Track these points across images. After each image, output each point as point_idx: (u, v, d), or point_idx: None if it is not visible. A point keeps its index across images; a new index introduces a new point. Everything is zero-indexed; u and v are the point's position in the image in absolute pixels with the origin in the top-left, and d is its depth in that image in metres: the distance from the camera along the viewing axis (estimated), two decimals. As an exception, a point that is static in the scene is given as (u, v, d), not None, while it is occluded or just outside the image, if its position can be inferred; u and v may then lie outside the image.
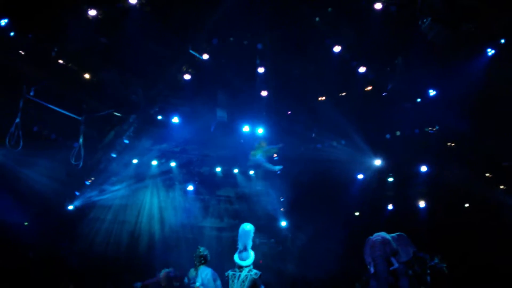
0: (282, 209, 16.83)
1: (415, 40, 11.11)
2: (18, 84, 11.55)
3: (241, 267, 6.93)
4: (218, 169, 16.14)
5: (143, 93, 13.45)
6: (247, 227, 7.19)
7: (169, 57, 12.51)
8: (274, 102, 13.74)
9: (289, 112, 14.47)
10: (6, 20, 10.65)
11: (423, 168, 14.06)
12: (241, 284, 6.72)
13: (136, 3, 10.67)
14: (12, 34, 10.83)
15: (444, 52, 11.38)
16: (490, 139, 12.43)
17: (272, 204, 16.31)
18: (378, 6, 10.55)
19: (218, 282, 8.13)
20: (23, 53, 11.36)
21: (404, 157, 14.12)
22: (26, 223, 14.61)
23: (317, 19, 11.43)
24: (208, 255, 8.50)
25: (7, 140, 11.14)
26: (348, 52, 11.91)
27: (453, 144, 13.79)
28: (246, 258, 6.94)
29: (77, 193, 15.32)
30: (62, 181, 13.70)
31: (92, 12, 10.71)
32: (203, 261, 8.31)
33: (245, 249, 7.00)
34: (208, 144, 14.87)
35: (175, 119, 14.19)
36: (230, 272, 6.94)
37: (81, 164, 12.56)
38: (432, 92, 12.81)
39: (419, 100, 13.16)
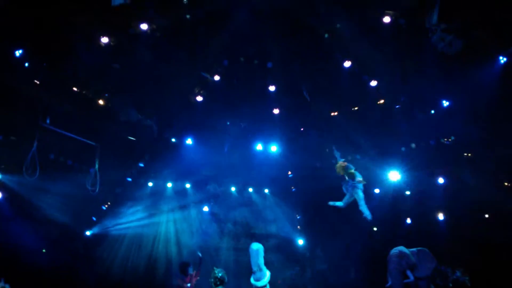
0: (298, 227, 16.69)
1: (425, 51, 11.09)
2: (34, 113, 11.76)
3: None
4: (233, 189, 16.13)
5: (156, 117, 13.58)
6: (255, 247, 7.14)
7: (181, 80, 12.64)
8: (287, 119, 13.77)
9: (302, 129, 14.46)
10: (21, 51, 10.88)
11: (440, 180, 13.87)
12: None
13: (147, 29, 10.85)
14: (26, 64, 11.04)
15: (456, 61, 11.33)
16: (507, 147, 12.26)
17: (289, 222, 16.19)
18: (386, 19, 10.60)
19: None
20: (38, 82, 11.57)
21: (420, 170, 13.96)
22: (44, 250, 14.66)
23: (326, 35, 11.49)
24: (225, 276, 8.32)
25: (24, 169, 11.29)
26: (358, 66, 11.93)
27: (469, 154, 13.61)
28: (261, 278, 6.87)
29: (94, 218, 15.40)
30: (79, 207, 13.77)
31: (105, 40, 10.91)
32: (218, 283, 8.14)
33: (259, 269, 6.93)
34: (222, 164, 14.88)
35: (189, 141, 14.29)
36: None
37: (97, 189, 12.65)
38: (445, 103, 12.72)
39: (433, 111, 13.07)
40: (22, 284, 12.00)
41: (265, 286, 6.89)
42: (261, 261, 7.04)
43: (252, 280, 6.96)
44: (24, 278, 12.64)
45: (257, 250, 7.09)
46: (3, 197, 12.56)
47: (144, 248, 15.88)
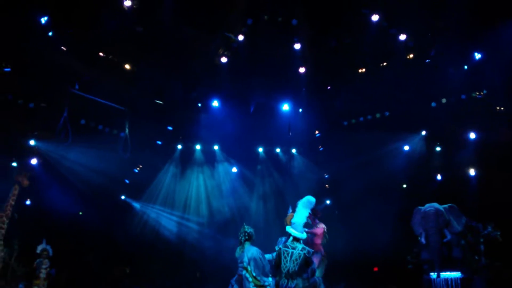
0: (326, 186, 16.74)
1: (457, 1, 10.65)
2: (63, 79, 11.96)
3: (295, 240, 6.86)
4: (260, 149, 16.20)
5: (182, 79, 13.61)
6: (312, 199, 7.15)
7: (204, 42, 12.56)
8: (313, 78, 13.58)
9: (328, 87, 14.28)
10: (46, 18, 10.97)
11: (472, 135, 13.57)
12: (294, 262, 6.66)
13: (169, -10, 10.75)
14: (50, 34, 11.13)
15: (489, 12, 10.87)
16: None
17: (316, 181, 16.21)
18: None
19: (265, 261, 7.99)
20: (65, 49, 11.69)
21: (451, 125, 13.67)
22: (80, 213, 15.20)
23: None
24: (253, 233, 8.30)
25: (56, 134, 11.59)
26: (386, 20, 11.56)
27: (502, 108, 13.20)
28: (299, 231, 6.88)
29: (127, 181, 15.79)
30: (112, 171, 14.08)
31: (127, 3, 10.89)
32: (247, 237, 8.12)
33: (299, 223, 6.96)
34: (249, 125, 14.89)
35: (215, 103, 14.34)
36: (282, 248, 6.85)
37: (128, 153, 12.91)
38: (477, 55, 12.29)
39: (466, 67, 12.66)
40: (62, 245, 12.57)
41: (300, 241, 6.86)
42: (306, 215, 7.06)
43: (289, 229, 6.97)
44: (63, 240, 13.23)
45: (312, 203, 7.10)
46: (38, 163, 12.93)
47: (176, 211, 16.25)
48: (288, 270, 6.65)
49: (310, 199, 7.26)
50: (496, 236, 11.22)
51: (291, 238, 7.02)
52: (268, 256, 7.71)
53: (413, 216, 11.12)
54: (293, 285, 6.57)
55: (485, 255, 11.10)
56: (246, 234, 8.03)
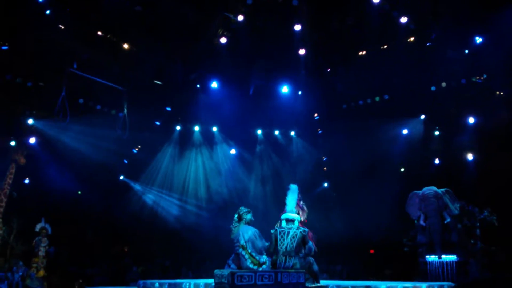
0: (324, 168, 16.78)
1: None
2: (61, 59, 11.86)
3: (289, 221, 7.02)
4: (259, 132, 16.18)
5: (181, 60, 13.52)
6: (294, 186, 7.31)
7: (204, 22, 12.45)
8: (313, 60, 13.51)
9: (328, 70, 14.21)
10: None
11: (471, 119, 13.56)
12: (291, 240, 6.82)
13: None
14: (48, 12, 11.00)
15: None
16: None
17: (315, 164, 16.25)
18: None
19: (262, 240, 8.01)
20: (63, 27, 11.57)
21: (451, 109, 13.65)
22: (79, 192, 15.24)
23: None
24: (246, 214, 8.20)
25: (55, 114, 11.56)
26: (388, 2, 11.45)
27: (501, 93, 13.16)
28: (294, 214, 7.08)
29: (126, 161, 15.79)
30: (111, 151, 14.07)
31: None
32: (239, 219, 8.08)
33: (291, 209, 7.15)
34: (248, 107, 14.86)
35: (214, 84, 14.27)
36: (278, 229, 7.02)
37: (127, 133, 12.88)
38: (478, 39, 12.20)
39: (466, 51, 12.58)
40: (60, 224, 12.62)
41: (295, 221, 7.00)
42: (295, 201, 7.20)
43: (285, 216, 7.11)
44: (61, 218, 13.28)
45: (293, 189, 7.23)
46: (36, 142, 12.90)
47: (174, 192, 16.30)
48: (286, 248, 6.80)
49: (292, 186, 7.56)
50: (492, 221, 11.32)
51: (283, 222, 7.21)
52: None
53: (408, 200, 11.17)
54: (290, 264, 6.67)
55: (481, 239, 11.21)
56: (238, 215, 8.05)
